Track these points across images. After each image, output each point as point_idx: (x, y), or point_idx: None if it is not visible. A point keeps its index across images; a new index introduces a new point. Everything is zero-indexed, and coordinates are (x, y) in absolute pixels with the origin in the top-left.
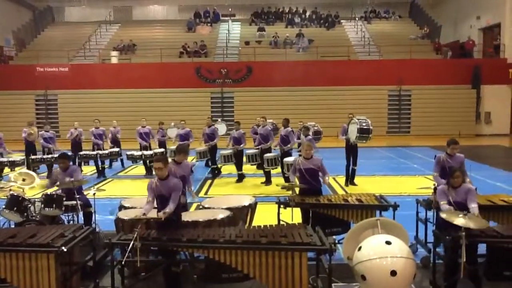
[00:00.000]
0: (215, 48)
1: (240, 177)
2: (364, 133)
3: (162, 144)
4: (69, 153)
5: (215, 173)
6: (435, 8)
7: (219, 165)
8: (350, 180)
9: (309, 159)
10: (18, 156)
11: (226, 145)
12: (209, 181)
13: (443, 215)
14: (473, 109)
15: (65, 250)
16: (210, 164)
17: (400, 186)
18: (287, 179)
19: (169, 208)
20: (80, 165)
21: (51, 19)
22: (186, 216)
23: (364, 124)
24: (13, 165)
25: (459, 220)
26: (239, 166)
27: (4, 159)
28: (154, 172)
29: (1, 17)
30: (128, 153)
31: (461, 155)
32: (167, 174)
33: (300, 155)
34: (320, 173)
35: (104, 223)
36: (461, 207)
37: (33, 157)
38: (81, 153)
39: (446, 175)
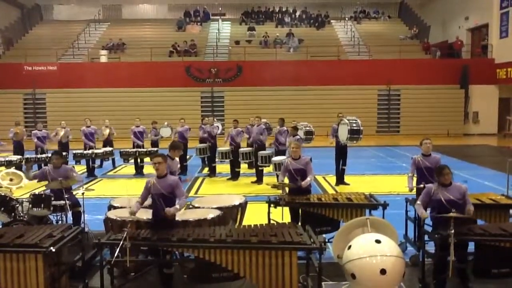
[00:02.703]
0: (205, 48)
1: (236, 175)
2: (354, 134)
3: (154, 144)
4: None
5: (213, 171)
6: (424, 8)
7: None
8: (340, 180)
9: (298, 159)
10: (15, 156)
11: (224, 143)
12: (199, 180)
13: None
14: (461, 109)
15: (53, 250)
16: (206, 162)
17: (389, 185)
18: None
19: (180, 204)
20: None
21: (39, 17)
22: (176, 216)
23: (354, 125)
24: (10, 164)
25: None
26: (237, 164)
27: (1, 159)
28: (153, 168)
29: None
30: (122, 150)
31: (437, 156)
32: (166, 172)
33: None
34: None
35: (93, 223)
36: (453, 204)
37: (27, 156)
38: (75, 152)
39: (423, 176)
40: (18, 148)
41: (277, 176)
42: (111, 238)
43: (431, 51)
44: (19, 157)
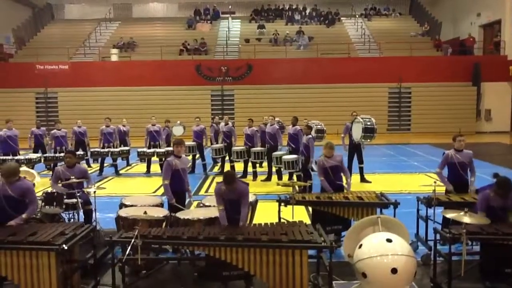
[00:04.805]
0: (215, 46)
1: (254, 175)
2: (369, 132)
3: (167, 143)
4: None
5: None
6: (435, 5)
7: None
8: (360, 178)
9: (331, 157)
10: (34, 154)
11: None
12: (210, 179)
13: (448, 215)
14: (473, 107)
15: (66, 248)
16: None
17: (400, 183)
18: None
19: (244, 211)
20: (88, 162)
21: (50, 17)
22: (186, 214)
23: (369, 124)
24: (29, 162)
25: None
26: (252, 164)
27: (21, 157)
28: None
29: (1, 15)
30: (139, 150)
31: (469, 151)
32: (236, 186)
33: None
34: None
35: (105, 221)
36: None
37: (45, 155)
38: (92, 150)
39: (456, 170)
40: (38, 147)
41: (290, 174)
42: (122, 236)
43: (443, 48)
44: (38, 155)
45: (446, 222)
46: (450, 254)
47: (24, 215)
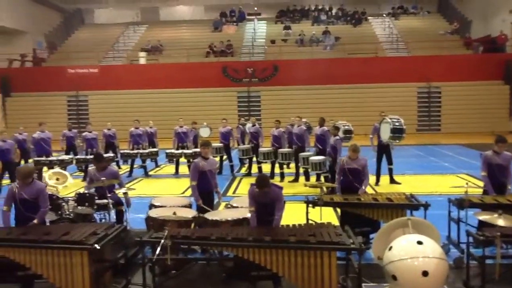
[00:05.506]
0: (241, 47)
1: (281, 176)
2: (397, 132)
3: (194, 144)
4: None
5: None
6: (464, 2)
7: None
8: (390, 180)
9: (355, 159)
10: (66, 156)
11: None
12: (237, 180)
13: (481, 217)
14: (506, 106)
15: (98, 247)
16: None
17: (431, 185)
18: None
19: (278, 214)
20: (118, 163)
21: (80, 21)
22: (214, 215)
23: (397, 124)
24: (62, 163)
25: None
26: (279, 165)
27: (54, 158)
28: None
29: (33, 20)
30: (168, 151)
31: (508, 153)
32: (269, 190)
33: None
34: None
35: (135, 222)
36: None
37: (77, 157)
38: (122, 151)
39: (493, 173)
40: (70, 149)
41: (317, 175)
42: (152, 236)
43: (473, 46)
44: (70, 157)
45: (482, 224)
46: (483, 257)
47: (35, 221)
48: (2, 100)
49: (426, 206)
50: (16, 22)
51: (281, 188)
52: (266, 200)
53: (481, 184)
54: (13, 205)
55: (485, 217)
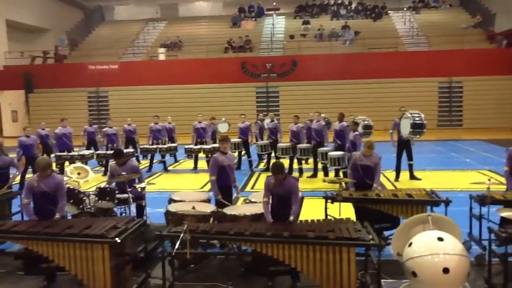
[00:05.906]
0: (260, 43)
1: (299, 172)
2: (417, 128)
3: (213, 139)
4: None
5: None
6: None
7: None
8: (410, 175)
9: (369, 156)
10: (87, 151)
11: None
12: (255, 175)
13: (503, 213)
14: None
15: (118, 241)
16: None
17: (452, 181)
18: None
19: (294, 209)
20: (138, 158)
21: (101, 18)
22: (233, 210)
23: (417, 119)
24: (83, 158)
25: None
26: (298, 161)
27: (75, 153)
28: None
29: (55, 18)
30: (186, 147)
31: None
32: (284, 179)
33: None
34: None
35: (154, 216)
36: None
37: (97, 152)
38: (142, 146)
39: None
40: (91, 144)
41: (336, 171)
42: (171, 230)
43: (497, 40)
44: (91, 152)
45: (504, 221)
46: (506, 254)
47: (57, 215)
48: (25, 96)
49: (447, 202)
50: (39, 19)
51: (297, 179)
52: (283, 192)
53: (504, 180)
54: (32, 197)
55: (507, 213)
